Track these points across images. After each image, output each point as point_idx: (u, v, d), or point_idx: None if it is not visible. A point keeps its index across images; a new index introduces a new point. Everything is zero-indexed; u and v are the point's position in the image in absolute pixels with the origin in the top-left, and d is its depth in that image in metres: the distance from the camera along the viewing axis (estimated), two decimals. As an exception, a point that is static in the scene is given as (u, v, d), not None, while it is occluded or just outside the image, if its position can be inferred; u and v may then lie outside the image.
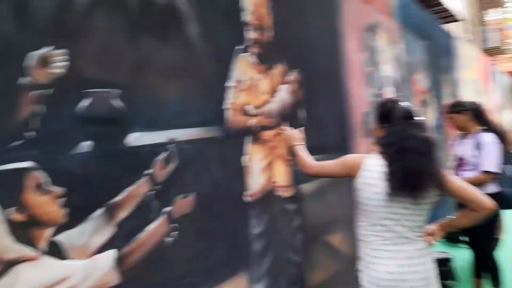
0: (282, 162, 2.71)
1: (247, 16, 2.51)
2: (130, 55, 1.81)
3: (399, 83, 4.75)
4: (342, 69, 3.55)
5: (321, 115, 3.21)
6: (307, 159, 2.28)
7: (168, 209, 1.91)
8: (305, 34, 3.07)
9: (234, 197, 2.32)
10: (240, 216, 2.35)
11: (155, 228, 1.85)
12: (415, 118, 1.97)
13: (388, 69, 4.58)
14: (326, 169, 2.20)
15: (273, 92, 2.70)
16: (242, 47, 2.45)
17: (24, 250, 1.41)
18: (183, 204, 1.99)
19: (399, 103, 2.04)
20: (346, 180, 2.11)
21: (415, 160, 1.82)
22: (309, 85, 3.05)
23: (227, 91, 2.32)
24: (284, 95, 2.80)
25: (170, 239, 1.91)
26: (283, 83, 2.80)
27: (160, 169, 1.89)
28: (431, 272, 1.96)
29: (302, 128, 2.54)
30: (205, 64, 2.19)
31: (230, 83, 2.34)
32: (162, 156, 1.90)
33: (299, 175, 2.76)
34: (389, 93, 4.56)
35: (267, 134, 2.61)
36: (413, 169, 1.81)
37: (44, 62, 1.51)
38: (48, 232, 1.49)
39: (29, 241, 1.43)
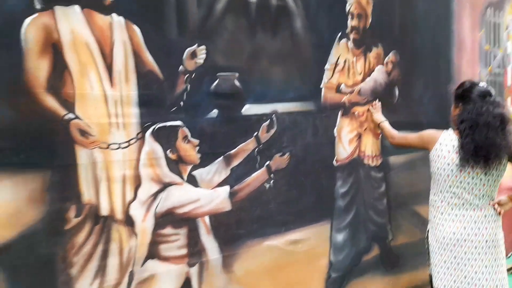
0: (371, 135, 3.12)
1: (349, 6, 2.91)
2: (248, 47, 2.45)
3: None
4: (451, 48, 3.65)
5: (421, 94, 3.44)
6: (392, 131, 2.70)
7: (268, 162, 2.57)
8: (410, 16, 3.29)
9: (323, 160, 2.85)
10: (328, 176, 2.88)
11: (257, 175, 2.53)
12: (491, 97, 2.19)
13: None
14: (407, 140, 2.59)
15: (367, 72, 3.08)
16: (340, 34, 2.88)
17: (174, 177, 2.23)
18: (280, 160, 2.62)
19: (476, 83, 2.28)
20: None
21: (486, 134, 2.08)
22: (408, 66, 3.31)
23: (323, 73, 2.82)
24: (378, 75, 3.15)
25: (268, 185, 2.58)
26: (378, 64, 3.14)
27: (263, 132, 2.54)
28: (497, 235, 2.22)
29: (379, 105, 2.90)
30: (306, 51, 2.72)
31: (327, 66, 2.83)
32: (266, 123, 2.54)
33: (389, 148, 3.15)
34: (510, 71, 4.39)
35: (358, 109, 3.04)
36: (484, 142, 2.08)
37: (192, 55, 2.25)
38: (188, 168, 2.28)
39: (178, 172, 2.24)
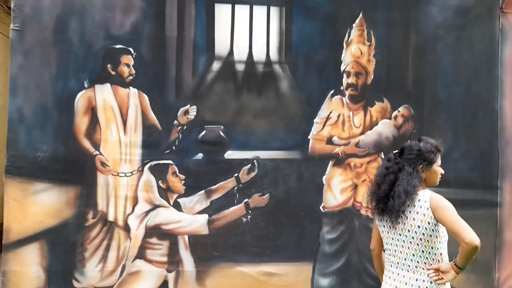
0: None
1: (344, 66, 3.21)
2: (233, 105, 3.12)
3: None
4: (496, 98, 3.32)
5: (450, 149, 3.26)
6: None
7: (247, 200, 3.08)
8: (429, 69, 3.27)
9: (308, 204, 3.13)
10: (312, 220, 3.13)
11: (235, 209, 3.07)
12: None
13: None
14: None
15: (367, 126, 3.21)
16: (332, 91, 3.19)
17: (163, 201, 3.04)
18: (259, 199, 3.09)
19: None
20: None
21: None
22: (428, 119, 3.25)
23: (312, 126, 3.17)
24: (383, 128, 3.23)
25: (245, 219, 3.07)
26: (384, 118, 3.23)
27: (244, 174, 3.09)
28: None
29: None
30: (292, 107, 3.16)
31: (316, 120, 3.17)
32: (247, 166, 3.09)
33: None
34: None
35: (355, 160, 3.19)
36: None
37: (185, 112, 3.08)
38: (174, 196, 3.05)
39: (166, 198, 3.04)
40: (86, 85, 3.00)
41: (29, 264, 2.91)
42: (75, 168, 2.97)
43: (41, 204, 2.93)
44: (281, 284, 3.06)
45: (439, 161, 2.12)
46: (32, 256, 2.92)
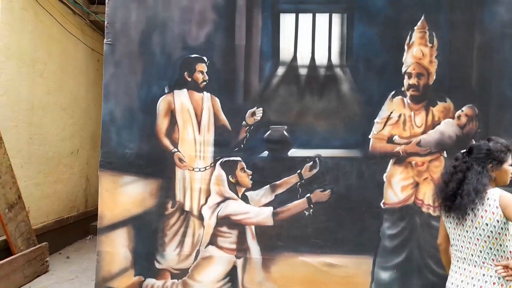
0: (432, 185, 3.23)
1: (405, 68, 3.30)
2: (296, 107, 3.34)
3: None
4: None
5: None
6: None
7: (309, 194, 3.30)
8: (496, 67, 3.25)
9: (368, 201, 3.27)
10: (372, 216, 3.26)
11: (298, 203, 3.30)
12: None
13: None
14: None
15: (429, 125, 3.27)
16: (393, 92, 3.29)
17: (232, 194, 3.35)
18: (320, 194, 3.29)
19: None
20: None
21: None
22: (494, 118, 3.24)
23: (373, 125, 3.30)
24: (446, 128, 3.27)
25: (308, 213, 3.29)
26: (446, 117, 3.27)
27: (306, 171, 3.30)
28: None
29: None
30: (353, 107, 3.32)
31: (377, 120, 3.30)
32: (309, 164, 3.30)
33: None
34: None
35: (416, 159, 3.26)
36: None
37: (252, 114, 3.37)
38: (243, 189, 3.35)
39: (235, 191, 3.35)
40: (166, 91, 3.41)
41: (119, 246, 3.37)
42: (157, 163, 3.38)
43: (128, 195, 3.38)
44: (341, 275, 3.23)
45: (509, 161, 2.14)
46: (121, 239, 3.38)
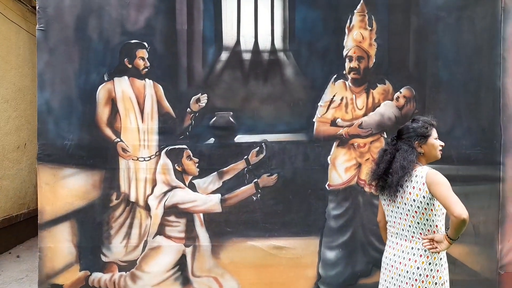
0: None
1: (346, 51, 3.35)
2: (241, 92, 3.32)
3: None
4: (499, 77, 3.40)
5: (452, 127, 3.38)
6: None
7: (256, 180, 3.31)
8: (431, 50, 3.37)
9: (313, 183, 3.33)
10: (318, 198, 3.32)
11: (246, 188, 3.30)
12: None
13: None
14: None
15: (370, 107, 3.36)
16: (335, 76, 3.34)
17: (179, 183, 3.30)
18: (267, 179, 3.31)
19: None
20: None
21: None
22: (430, 99, 3.37)
23: (316, 109, 3.34)
24: (385, 109, 3.37)
25: (255, 198, 3.30)
26: (386, 99, 3.37)
27: (253, 156, 3.31)
28: (420, 270, 2.20)
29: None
30: (298, 92, 3.34)
31: (320, 103, 3.34)
32: (255, 149, 3.31)
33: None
34: None
35: (358, 141, 3.35)
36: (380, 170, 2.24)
37: (197, 100, 3.31)
38: (189, 177, 3.30)
39: (181, 180, 3.30)
40: (106, 78, 3.27)
41: (62, 241, 3.25)
42: (99, 154, 3.26)
43: (70, 187, 3.24)
44: (290, 257, 3.29)
45: (434, 134, 2.23)
46: (64, 234, 3.25)
